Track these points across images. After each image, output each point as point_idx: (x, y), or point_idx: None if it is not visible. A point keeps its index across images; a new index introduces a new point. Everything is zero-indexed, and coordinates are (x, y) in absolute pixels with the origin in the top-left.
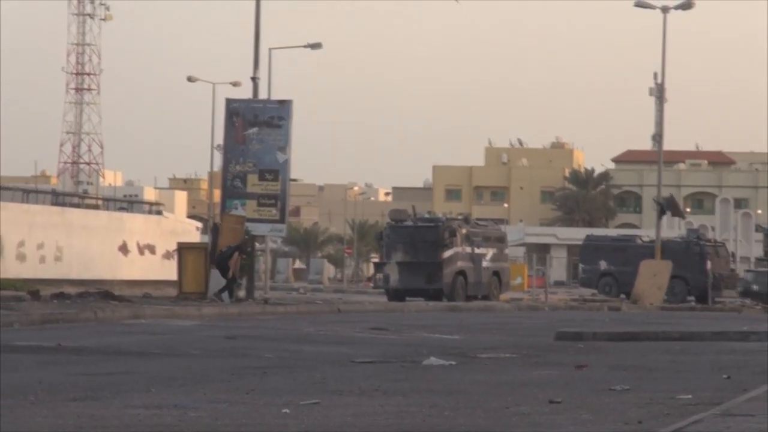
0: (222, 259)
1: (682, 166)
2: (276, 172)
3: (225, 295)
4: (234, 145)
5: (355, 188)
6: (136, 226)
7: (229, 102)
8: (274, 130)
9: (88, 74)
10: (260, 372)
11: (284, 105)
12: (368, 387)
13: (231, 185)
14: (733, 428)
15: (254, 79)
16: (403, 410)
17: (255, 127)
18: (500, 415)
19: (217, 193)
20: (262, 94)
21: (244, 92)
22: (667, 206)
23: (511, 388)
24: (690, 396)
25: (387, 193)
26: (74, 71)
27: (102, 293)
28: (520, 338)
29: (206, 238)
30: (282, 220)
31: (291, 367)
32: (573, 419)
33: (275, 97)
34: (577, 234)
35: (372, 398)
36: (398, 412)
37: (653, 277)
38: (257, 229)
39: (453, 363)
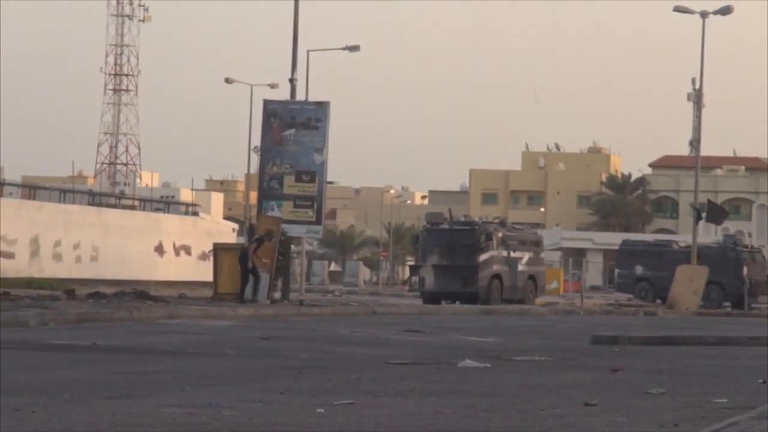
0: (243, 254)
1: (719, 171)
2: (313, 173)
3: (257, 291)
4: (271, 146)
5: (392, 191)
6: (172, 226)
7: (267, 103)
8: (311, 131)
9: (126, 75)
10: (295, 372)
11: (321, 106)
12: (403, 388)
13: (268, 186)
14: None
15: (292, 80)
16: (438, 411)
17: (292, 128)
18: (535, 417)
19: (254, 195)
20: (300, 96)
21: (282, 94)
22: (711, 211)
23: (546, 390)
24: (725, 400)
25: (423, 197)
26: (112, 72)
27: (137, 293)
28: (556, 342)
29: (242, 240)
30: (318, 222)
31: (325, 367)
32: (608, 422)
33: (312, 98)
34: (614, 239)
35: (406, 399)
36: (433, 413)
37: (689, 283)
38: (293, 230)
39: (488, 365)
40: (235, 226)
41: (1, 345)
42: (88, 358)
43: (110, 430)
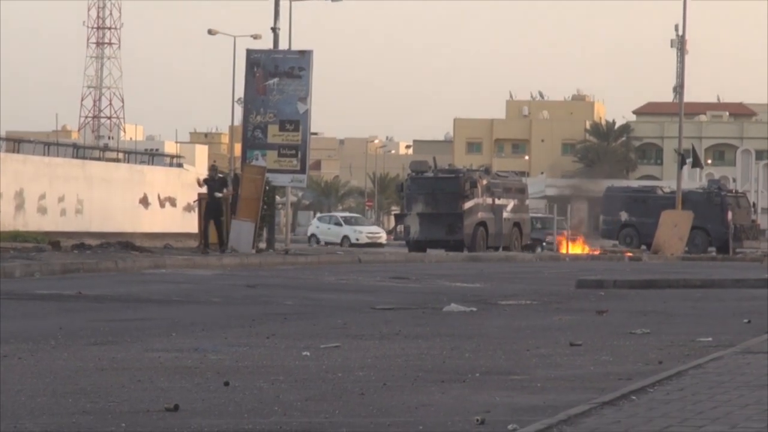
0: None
1: (703, 117)
2: (297, 122)
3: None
4: (255, 95)
5: (376, 141)
6: (156, 179)
7: (250, 53)
8: (295, 80)
9: (109, 28)
10: (281, 318)
11: (304, 55)
12: (389, 332)
13: (251, 136)
14: (753, 364)
15: (274, 29)
16: (423, 353)
17: (275, 77)
18: (521, 357)
19: (238, 148)
20: (283, 46)
21: (265, 45)
22: (688, 156)
23: (531, 332)
24: (710, 338)
25: (408, 147)
26: (95, 25)
27: (123, 244)
28: (541, 287)
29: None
30: (303, 171)
31: (311, 313)
32: (593, 360)
33: (296, 48)
34: (598, 186)
35: (392, 342)
36: (419, 355)
37: (674, 228)
38: (278, 179)
39: (473, 309)
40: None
41: None
42: (74, 307)
43: (96, 373)
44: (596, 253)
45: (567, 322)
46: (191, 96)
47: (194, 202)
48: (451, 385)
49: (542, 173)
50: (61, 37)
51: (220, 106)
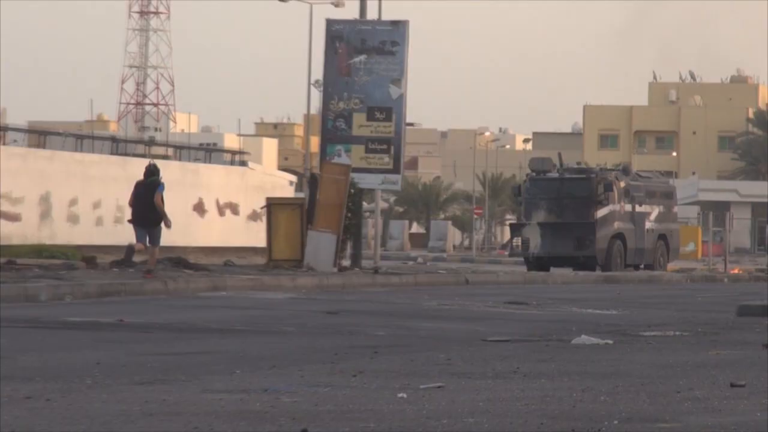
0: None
1: None
2: (389, 110)
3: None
4: (336, 77)
5: (487, 134)
6: (215, 180)
7: (330, 24)
8: (386, 57)
9: None
10: (370, 352)
11: (399, 27)
12: (504, 369)
13: (332, 127)
14: None
15: None
16: (548, 395)
17: (362, 54)
18: (669, 400)
19: (315, 140)
20: (372, 16)
21: (350, 14)
22: None
23: (682, 370)
24: None
25: (526, 140)
26: None
27: (173, 260)
28: (693, 314)
29: (301, 195)
30: (396, 170)
31: (407, 346)
32: (760, 405)
33: (387, 18)
34: (764, 190)
35: (509, 381)
36: (542, 397)
37: None
38: (365, 180)
39: (609, 342)
40: (293, 178)
41: (1, 323)
42: (114, 338)
43: (142, 419)
44: (738, 271)
45: (726, 358)
46: (257, 78)
47: (261, 208)
48: None
49: (694, 173)
50: (96, 6)
51: (292, 91)
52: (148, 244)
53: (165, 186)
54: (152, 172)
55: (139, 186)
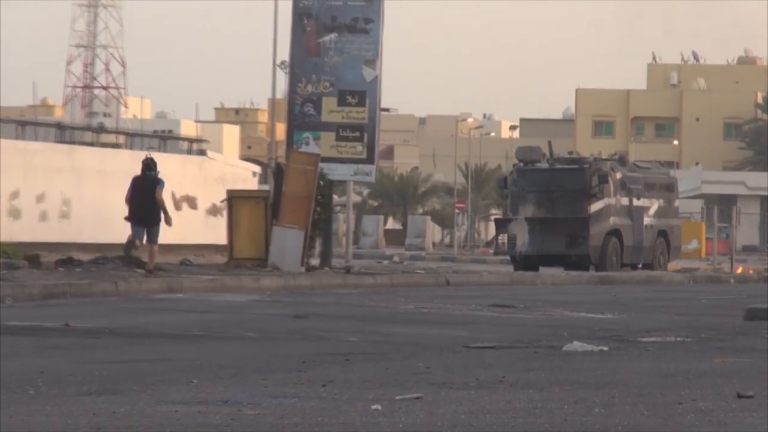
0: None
1: None
2: (362, 94)
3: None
4: (304, 57)
5: (469, 120)
6: (170, 171)
7: None
8: (359, 36)
9: None
10: (341, 359)
11: (373, 2)
12: (489, 378)
13: (300, 113)
14: None
15: None
16: (537, 407)
17: (333, 32)
18: (671, 413)
19: (281, 127)
20: None
21: None
22: None
23: (684, 379)
24: None
25: (512, 127)
26: None
27: (124, 259)
28: (696, 318)
29: (266, 187)
30: (370, 160)
31: (382, 353)
32: None
33: None
34: None
35: (494, 392)
36: (530, 409)
37: None
38: (336, 171)
39: (604, 349)
40: (257, 168)
41: None
42: (59, 344)
43: None
44: (746, 271)
45: (733, 366)
46: (217, 59)
47: (222, 202)
48: None
49: (697, 164)
50: None
51: (256, 73)
52: (144, 242)
53: (165, 182)
54: (150, 166)
55: (137, 181)
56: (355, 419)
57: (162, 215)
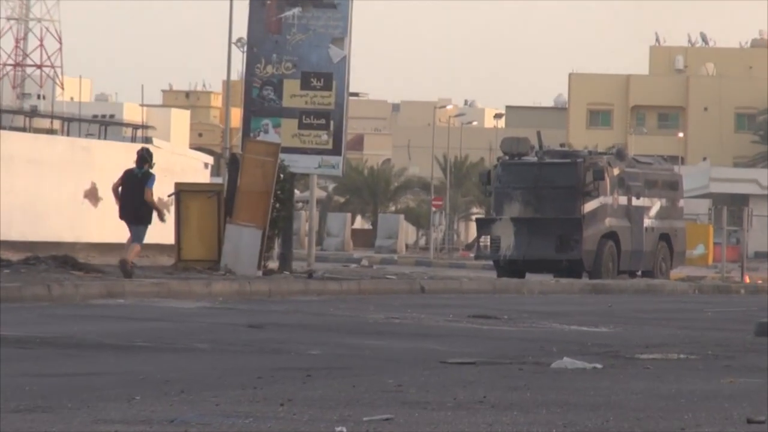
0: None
1: None
2: (328, 76)
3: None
4: (264, 34)
5: (449, 108)
6: (111, 160)
7: None
8: (326, 11)
9: None
10: (302, 375)
11: None
12: (468, 398)
13: (258, 97)
14: None
15: None
16: (522, 430)
17: (296, 6)
18: None
19: (237, 113)
20: None
21: None
22: None
23: (688, 402)
24: None
25: (497, 116)
26: None
27: (59, 260)
28: (702, 332)
29: (219, 180)
30: (337, 151)
31: (348, 368)
32: None
33: None
34: None
35: (473, 414)
36: None
37: None
38: (298, 163)
39: (598, 366)
40: (209, 159)
41: None
42: None
43: None
44: (758, 280)
45: (742, 388)
46: (164, 36)
47: (169, 196)
48: None
49: (705, 159)
50: None
51: (209, 52)
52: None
53: (156, 178)
54: (144, 158)
55: (128, 176)
56: None
57: (153, 213)
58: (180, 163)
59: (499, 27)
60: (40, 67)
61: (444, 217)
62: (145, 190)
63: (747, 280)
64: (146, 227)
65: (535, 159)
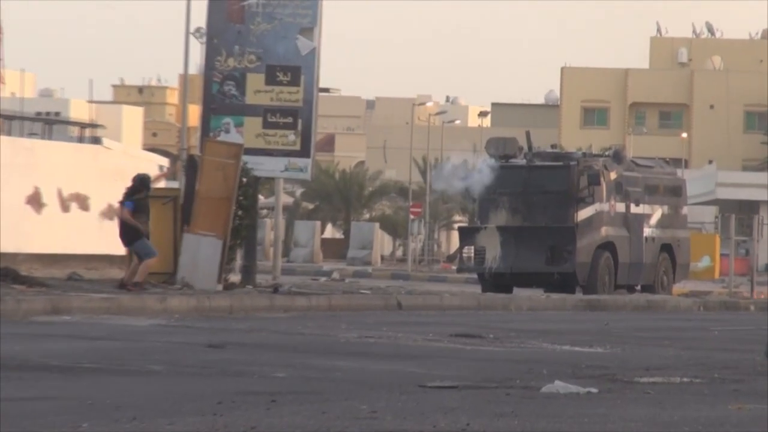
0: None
1: None
2: (296, 69)
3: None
4: (225, 23)
5: (429, 105)
6: (56, 163)
7: None
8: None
9: None
10: (266, 400)
11: None
12: (450, 425)
13: (219, 92)
14: None
15: None
16: None
17: None
18: None
19: (195, 110)
20: None
21: None
22: None
23: (692, 429)
24: None
25: (482, 114)
26: None
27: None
28: (708, 354)
29: (176, 185)
30: (305, 153)
31: (318, 392)
32: None
33: None
34: None
35: None
36: None
37: None
38: (263, 166)
39: (593, 391)
40: (164, 161)
41: None
42: None
43: None
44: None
45: (751, 414)
46: (115, 25)
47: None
48: None
49: (711, 162)
50: None
51: (164, 43)
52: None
53: (130, 204)
54: (139, 189)
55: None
56: None
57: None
58: (132, 166)
59: (484, 16)
60: None
61: (423, 226)
62: (122, 212)
63: (766, 295)
64: (142, 241)
65: (523, 162)
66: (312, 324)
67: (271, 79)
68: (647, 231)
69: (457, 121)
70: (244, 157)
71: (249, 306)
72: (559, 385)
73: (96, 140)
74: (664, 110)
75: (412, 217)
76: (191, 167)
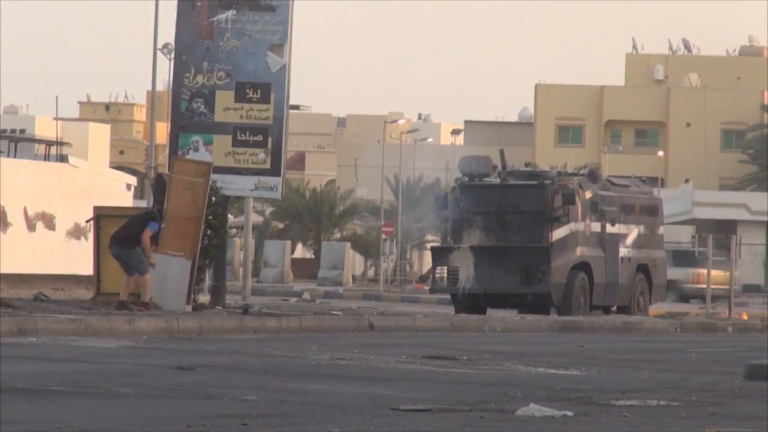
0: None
1: None
2: (266, 87)
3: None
4: (194, 39)
5: (401, 122)
6: (21, 181)
7: None
8: (264, 14)
9: None
10: (236, 423)
11: None
12: None
13: (188, 110)
14: None
15: None
16: None
17: (230, 9)
18: None
19: (163, 128)
20: None
21: None
22: None
23: None
24: None
25: (455, 132)
26: None
27: None
28: (685, 376)
29: (144, 203)
30: (276, 171)
31: (288, 415)
32: None
33: None
34: None
35: None
36: None
37: None
38: (232, 185)
39: (569, 414)
40: (132, 179)
41: None
42: None
43: None
44: (747, 317)
45: None
46: (82, 40)
47: (87, 222)
48: None
49: (687, 181)
50: None
51: (132, 59)
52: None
53: (158, 227)
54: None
55: None
56: None
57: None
58: (99, 184)
59: (457, 32)
60: None
61: (395, 246)
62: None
63: (745, 316)
64: (140, 253)
65: (497, 180)
66: (283, 345)
67: (240, 97)
68: (623, 251)
69: (430, 139)
70: (214, 176)
71: (218, 327)
72: (534, 408)
73: (62, 158)
74: (640, 128)
75: (383, 236)
76: (159, 186)
